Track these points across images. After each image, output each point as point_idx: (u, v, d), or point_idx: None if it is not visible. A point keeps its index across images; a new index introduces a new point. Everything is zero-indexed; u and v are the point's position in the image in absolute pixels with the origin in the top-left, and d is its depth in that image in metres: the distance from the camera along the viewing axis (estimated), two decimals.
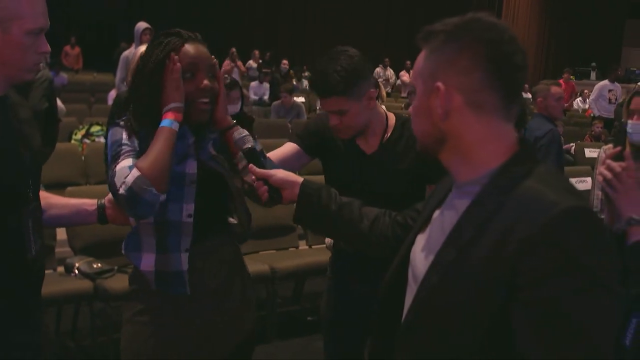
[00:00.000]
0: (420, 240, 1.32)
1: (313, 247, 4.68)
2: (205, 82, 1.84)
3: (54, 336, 3.83)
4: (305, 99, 11.56)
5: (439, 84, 1.17)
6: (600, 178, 1.77)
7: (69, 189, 4.04)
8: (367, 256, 1.74)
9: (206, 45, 1.89)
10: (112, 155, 1.80)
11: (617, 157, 1.75)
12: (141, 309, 1.90)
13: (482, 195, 1.16)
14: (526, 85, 16.72)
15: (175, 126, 1.79)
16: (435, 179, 1.46)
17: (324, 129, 2.29)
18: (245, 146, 1.80)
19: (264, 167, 1.74)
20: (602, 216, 1.90)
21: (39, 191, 1.76)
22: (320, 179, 2.35)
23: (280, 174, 1.68)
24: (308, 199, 1.64)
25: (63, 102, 8.00)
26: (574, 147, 8.17)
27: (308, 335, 4.12)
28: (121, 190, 1.72)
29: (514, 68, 1.16)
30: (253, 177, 1.71)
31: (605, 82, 11.02)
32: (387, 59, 16.58)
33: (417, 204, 1.64)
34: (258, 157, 1.77)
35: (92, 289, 3.50)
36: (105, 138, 2.18)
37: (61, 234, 3.88)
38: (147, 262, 1.87)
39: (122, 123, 1.84)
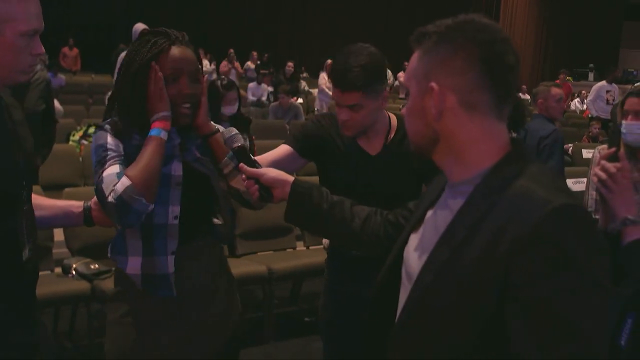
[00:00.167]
0: (414, 239, 1.32)
1: (310, 248, 4.68)
2: (188, 89, 1.84)
3: (51, 336, 3.84)
4: (303, 100, 11.56)
5: (433, 84, 1.17)
6: (595, 179, 1.77)
7: (67, 190, 4.05)
8: (363, 257, 1.74)
9: (192, 48, 1.89)
10: (97, 161, 1.80)
11: (612, 157, 1.75)
12: (126, 311, 1.91)
13: (475, 195, 1.17)
14: (524, 87, 16.80)
15: (164, 135, 1.80)
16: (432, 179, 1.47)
17: (323, 131, 2.28)
18: (235, 144, 1.79)
19: (254, 166, 1.74)
20: (597, 216, 1.90)
21: (31, 192, 1.77)
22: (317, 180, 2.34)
23: (271, 172, 1.68)
24: (299, 197, 1.64)
25: (61, 103, 8.02)
26: (571, 148, 8.18)
27: (305, 336, 4.12)
28: (110, 199, 1.72)
29: (506, 68, 1.17)
30: (243, 176, 1.70)
31: (603, 83, 11.02)
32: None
33: (409, 202, 1.64)
34: (248, 156, 1.76)
35: (90, 290, 3.51)
36: None
37: (59, 235, 3.89)
38: (133, 265, 1.86)
39: (106, 126, 1.84)
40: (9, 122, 1.68)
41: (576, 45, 21.72)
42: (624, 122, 2.44)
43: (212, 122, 1.94)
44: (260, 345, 4.05)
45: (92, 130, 7.00)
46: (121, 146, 1.82)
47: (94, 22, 19.29)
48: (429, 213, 1.31)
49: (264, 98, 11.73)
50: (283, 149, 2.29)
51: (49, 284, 3.38)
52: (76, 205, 2.00)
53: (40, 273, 1.84)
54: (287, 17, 22.10)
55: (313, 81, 13.70)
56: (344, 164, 2.25)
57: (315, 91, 12.07)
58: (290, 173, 2.05)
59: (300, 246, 4.76)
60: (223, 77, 5.29)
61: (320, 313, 2.47)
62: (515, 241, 1.06)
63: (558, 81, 13.95)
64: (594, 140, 9.10)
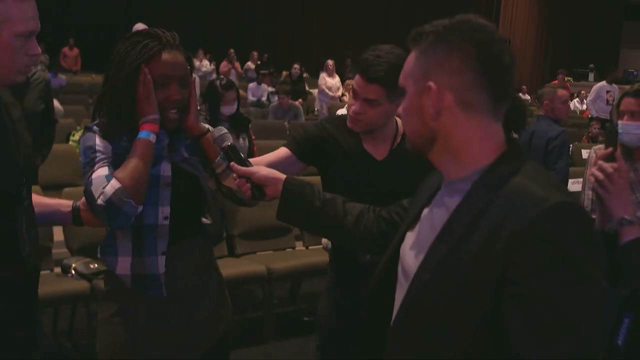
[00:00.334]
0: (410, 237, 1.33)
1: (310, 248, 4.69)
2: (176, 95, 1.84)
3: (51, 336, 3.84)
4: (303, 100, 11.55)
5: (431, 83, 1.19)
6: (591, 179, 1.77)
7: (66, 189, 4.05)
8: (373, 265, 1.73)
9: (182, 50, 1.88)
10: (85, 162, 1.81)
11: (609, 157, 1.76)
12: (116, 310, 1.91)
13: (472, 192, 1.18)
14: (524, 87, 16.80)
15: (153, 138, 1.80)
16: None
17: (327, 135, 2.25)
18: (225, 143, 1.78)
19: (245, 165, 1.73)
20: (593, 216, 1.90)
21: (31, 189, 1.78)
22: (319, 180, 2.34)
23: (263, 171, 1.69)
24: (291, 195, 1.65)
25: (61, 103, 8.03)
26: (570, 148, 8.18)
27: (305, 335, 4.11)
28: (99, 201, 1.73)
29: (502, 69, 1.19)
30: (234, 174, 1.70)
31: (603, 83, 11.02)
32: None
33: (403, 200, 1.64)
34: (239, 154, 1.75)
35: (89, 289, 3.51)
36: None
37: (58, 235, 3.89)
38: (123, 265, 1.86)
39: (94, 128, 1.85)
40: (8, 120, 1.70)
41: (576, 45, 21.73)
42: (620, 122, 2.44)
43: (201, 123, 1.94)
44: (259, 345, 4.05)
45: None
46: (110, 148, 1.82)
47: (94, 22, 19.31)
48: (425, 211, 1.32)
49: (264, 98, 11.73)
50: (282, 151, 2.26)
51: (49, 283, 3.38)
52: (65, 204, 2.01)
53: (39, 272, 1.86)
54: (287, 17, 22.12)
55: (313, 81, 13.70)
56: (349, 168, 2.23)
57: (315, 91, 12.07)
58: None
59: (299, 246, 4.76)
60: (222, 77, 5.30)
61: (319, 313, 2.46)
62: (513, 238, 1.08)
63: (556, 82, 13.95)
64: (593, 141, 9.10)
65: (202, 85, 6.51)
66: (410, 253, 1.29)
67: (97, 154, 1.80)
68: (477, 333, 1.13)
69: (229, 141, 1.79)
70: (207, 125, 1.95)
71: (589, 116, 11.30)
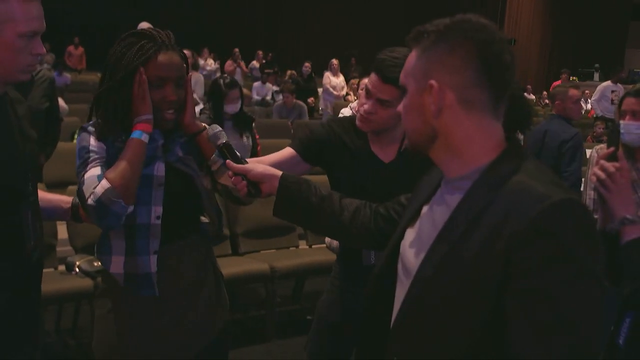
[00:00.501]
0: (410, 234, 1.34)
1: (313, 246, 4.69)
2: (172, 95, 1.85)
3: (54, 334, 3.86)
4: (314, 98, 11.50)
5: (433, 81, 1.20)
6: (593, 178, 1.77)
7: (70, 187, 4.05)
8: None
9: (178, 50, 1.88)
10: (79, 163, 1.82)
11: (611, 157, 1.76)
12: (111, 307, 1.92)
13: (473, 190, 1.19)
14: (529, 87, 16.76)
15: (145, 138, 1.81)
16: None
17: (333, 136, 2.24)
18: (220, 141, 1.78)
19: (240, 162, 1.73)
20: (595, 216, 1.90)
21: (37, 184, 1.80)
22: (318, 179, 2.34)
23: (258, 168, 1.69)
24: (287, 192, 1.65)
25: (66, 102, 8.05)
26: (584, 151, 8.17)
27: (307, 334, 4.12)
28: (90, 201, 1.74)
29: (503, 67, 1.20)
30: (230, 172, 1.70)
31: (608, 83, 10.99)
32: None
33: (401, 196, 1.64)
34: (234, 152, 1.75)
35: (93, 287, 3.50)
36: None
37: (62, 232, 3.91)
38: (117, 264, 1.88)
39: (89, 128, 1.86)
40: (14, 117, 1.73)
41: (582, 45, 21.67)
42: (621, 122, 2.44)
43: (198, 121, 1.94)
44: (262, 344, 4.07)
45: None
46: (104, 148, 1.83)
47: (99, 21, 19.33)
48: (425, 209, 1.33)
49: (268, 97, 11.73)
50: (287, 152, 2.25)
51: (53, 281, 3.40)
52: (65, 200, 2.03)
53: (43, 270, 1.88)
54: (291, 16, 22.10)
55: (317, 80, 13.69)
56: (355, 170, 2.22)
57: (319, 90, 12.05)
58: None
59: (303, 245, 4.77)
60: (225, 75, 5.30)
61: (319, 310, 2.45)
62: (515, 235, 1.08)
63: (559, 82, 13.90)
64: (598, 141, 9.09)
65: (207, 84, 6.52)
66: (411, 250, 1.30)
67: (91, 154, 1.81)
68: (477, 332, 1.14)
69: (224, 139, 1.79)
70: (203, 123, 1.96)
71: (594, 116, 11.28)
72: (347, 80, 11.80)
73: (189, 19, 19.33)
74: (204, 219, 2.01)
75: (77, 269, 3.67)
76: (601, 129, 9.39)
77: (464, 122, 1.20)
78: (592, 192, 2.85)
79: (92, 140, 1.83)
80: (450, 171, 1.26)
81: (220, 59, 15.15)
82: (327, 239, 3.21)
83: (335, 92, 11.27)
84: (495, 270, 1.10)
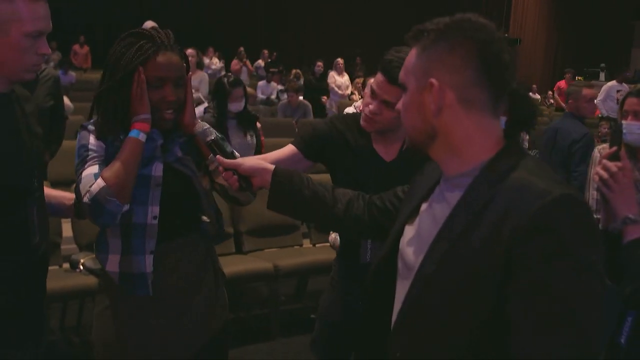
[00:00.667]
0: (410, 231, 1.34)
1: (317, 245, 4.70)
2: (171, 96, 1.85)
3: (59, 331, 3.87)
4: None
5: (433, 80, 1.20)
6: (596, 178, 1.78)
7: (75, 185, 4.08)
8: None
9: (177, 50, 1.88)
10: (78, 161, 1.83)
11: (613, 156, 1.76)
12: (108, 304, 1.93)
13: (473, 187, 1.20)
14: (534, 86, 16.71)
15: (143, 137, 1.82)
16: None
17: (336, 133, 2.24)
18: (209, 138, 1.78)
19: (230, 157, 1.73)
20: (598, 216, 1.90)
21: (43, 181, 1.82)
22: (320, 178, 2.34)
23: (249, 162, 1.69)
24: (280, 186, 1.66)
25: (71, 100, 8.06)
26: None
27: (311, 333, 4.12)
28: (85, 199, 1.75)
29: (502, 66, 1.20)
30: (221, 167, 1.70)
31: (613, 82, 10.97)
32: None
33: (397, 188, 1.65)
34: (223, 147, 1.75)
35: (97, 285, 3.53)
36: None
37: (67, 230, 3.92)
38: (113, 263, 1.89)
39: (89, 127, 1.87)
40: (20, 114, 1.74)
41: (587, 44, 21.59)
42: (623, 122, 2.45)
43: (198, 121, 1.94)
44: (266, 342, 4.07)
45: None
46: (103, 147, 1.84)
47: (105, 19, 19.38)
48: (424, 206, 1.34)
49: (273, 96, 11.74)
50: (289, 149, 2.26)
51: (57, 278, 3.41)
52: (69, 197, 2.04)
53: (48, 263, 1.89)
54: (296, 15, 22.11)
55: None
56: (356, 168, 2.22)
57: None
58: None
59: (306, 243, 4.78)
60: (229, 74, 5.31)
61: (320, 310, 2.45)
62: (516, 230, 1.09)
63: (564, 81, 13.84)
64: (603, 140, 9.05)
65: (211, 83, 6.54)
66: (411, 247, 1.31)
67: (90, 153, 1.82)
68: (479, 329, 1.15)
69: (212, 135, 1.78)
70: (203, 123, 1.96)
71: (599, 116, 11.25)
72: (351, 80, 11.80)
73: (194, 18, 19.36)
74: (205, 218, 2.01)
75: (81, 267, 3.67)
76: (606, 129, 9.35)
77: (463, 121, 1.21)
78: (595, 192, 2.84)
79: (92, 139, 1.84)
80: (449, 169, 1.27)
81: (225, 57, 15.17)
82: (331, 238, 3.22)
83: (340, 92, 11.28)
84: (497, 266, 1.11)
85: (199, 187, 1.95)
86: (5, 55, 1.63)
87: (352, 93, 11.31)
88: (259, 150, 4.70)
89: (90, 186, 1.76)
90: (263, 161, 1.73)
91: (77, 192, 1.80)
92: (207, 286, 2.00)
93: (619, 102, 9.19)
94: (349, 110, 5.96)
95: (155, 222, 1.87)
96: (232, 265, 3.92)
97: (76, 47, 15.80)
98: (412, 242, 1.31)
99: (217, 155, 1.72)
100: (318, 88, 10.76)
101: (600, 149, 2.89)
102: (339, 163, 2.26)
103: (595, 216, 1.87)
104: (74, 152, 1.88)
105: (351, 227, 1.66)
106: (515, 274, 1.10)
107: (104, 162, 1.82)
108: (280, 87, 12.07)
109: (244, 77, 12.95)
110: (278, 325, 4.18)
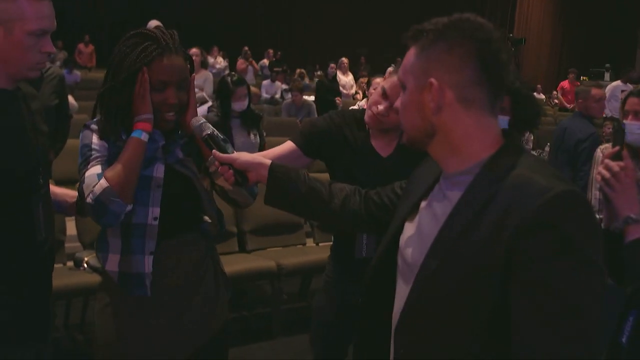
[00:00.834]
0: (410, 228, 1.35)
1: (320, 244, 4.71)
2: (173, 99, 1.85)
3: (63, 329, 3.89)
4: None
5: (432, 80, 1.21)
6: (598, 177, 1.78)
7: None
8: (369, 261, 1.72)
9: (182, 52, 1.88)
10: (81, 160, 1.83)
11: (616, 156, 1.76)
12: (108, 302, 1.94)
13: (475, 184, 1.21)
14: (539, 86, 16.68)
15: (145, 137, 1.82)
16: None
17: (334, 128, 2.26)
18: (205, 133, 1.76)
19: (226, 152, 1.72)
20: (601, 216, 1.90)
21: (49, 178, 1.83)
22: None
23: (244, 156, 1.69)
24: (277, 182, 1.66)
25: (76, 99, 8.08)
26: None
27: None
28: (88, 199, 1.76)
29: (500, 66, 1.22)
30: (217, 162, 1.69)
31: (618, 82, 10.93)
32: (399, 59, 16.51)
33: (395, 183, 1.65)
34: (219, 142, 1.73)
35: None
36: None
37: (71, 229, 3.94)
38: (112, 262, 1.89)
39: (92, 126, 1.87)
40: (26, 111, 1.75)
41: (592, 44, 21.53)
42: (625, 121, 2.45)
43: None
44: (268, 341, 4.08)
45: None
46: (106, 146, 1.85)
47: (110, 18, 19.41)
48: (423, 203, 1.34)
49: (277, 95, 11.75)
50: (288, 145, 2.28)
51: (61, 276, 3.42)
52: (71, 195, 2.06)
53: (54, 259, 1.90)
54: (300, 14, 22.10)
55: None
56: (354, 163, 2.24)
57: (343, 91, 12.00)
58: None
59: (310, 242, 4.79)
60: (233, 73, 5.31)
61: (318, 312, 2.45)
62: (519, 225, 1.10)
63: (567, 81, 13.79)
64: (607, 140, 9.03)
65: (216, 83, 6.55)
66: (412, 245, 1.31)
67: (93, 152, 1.83)
68: (482, 324, 1.16)
69: (208, 130, 1.76)
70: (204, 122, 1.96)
71: (604, 116, 11.21)
72: (356, 79, 11.80)
73: (198, 17, 19.36)
74: (206, 218, 2.01)
75: (85, 265, 3.68)
76: (610, 129, 9.33)
77: (463, 120, 1.22)
78: (597, 192, 2.84)
79: (95, 139, 1.85)
80: (449, 167, 1.28)
81: (229, 57, 15.18)
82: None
83: (344, 91, 11.28)
84: (499, 262, 1.12)
85: (199, 188, 1.95)
86: (8, 53, 1.64)
87: (356, 92, 11.31)
88: (262, 149, 4.70)
89: (94, 186, 1.76)
90: (259, 156, 1.74)
91: (80, 192, 1.81)
92: (207, 286, 2.00)
93: None
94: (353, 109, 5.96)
95: (156, 223, 1.87)
96: (236, 263, 3.93)
97: (81, 46, 15.84)
98: (413, 240, 1.32)
99: (213, 150, 1.71)
100: (331, 89, 10.65)
101: (603, 149, 2.89)
102: (337, 158, 2.28)
103: (597, 216, 1.88)
104: (77, 151, 1.89)
105: (348, 222, 1.67)
106: (517, 269, 1.11)
107: (107, 162, 1.82)
108: (284, 86, 12.08)
109: (250, 76, 12.96)
110: (281, 324, 4.19)
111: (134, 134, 1.82)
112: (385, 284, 1.39)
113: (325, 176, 2.35)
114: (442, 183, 1.31)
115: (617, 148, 1.78)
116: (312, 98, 10.43)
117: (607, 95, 10.92)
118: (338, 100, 10.34)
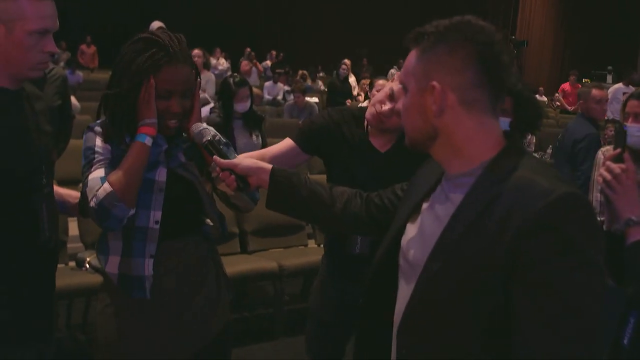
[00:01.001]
0: (412, 229, 1.36)
1: (322, 245, 4.69)
2: (177, 108, 1.85)
3: (65, 329, 3.89)
4: (318, 99, 11.53)
5: (435, 82, 1.22)
6: (600, 179, 1.78)
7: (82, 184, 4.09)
8: (363, 258, 1.73)
9: (189, 60, 1.88)
10: (84, 163, 1.84)
11: (617, 158, 1.77)
12: (109, 302, 1.95)
13: (477, 185, 1.21)
14: (541, 88, 16.66)
15: (149, 141, 1.82)
16: None
17: (332, 125, 2.27)
18: (205, 139, 1.76)
19: (227, 158, 1.72)
20: (602, 218, 1.91)
21: (52, 177, 1.83)
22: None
23: (245, 162, 1.70)
24: (278, 186, 1.67)
25: (78, 100, 8.10)
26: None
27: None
28: (92, 203, 1.76)
29: (501, 68, 1.22)
30: (218, 168, 1.70)
31: (620, 85, 10.92)
32: (401, 60, 16.48)
33: (396, 185, 1.66)
34: (219, 148, 1.74)
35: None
36: None
37: (73, 229, 3.95)
38: (112, 264, 1.89)
39: (96, 128, 1.87)
40: (30, 111, 1.76)
41: (594, 47, 21.51)
42: (625, 124, 2.45)
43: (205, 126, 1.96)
44: (270, 341, 4.08)
45: None
46: (109, 149, 1.85)
47: (112, 19, 19.43)
48: (425, 205, 1.35)
49: (279, 97, 11.76)
50: (287, 143, 2.29)
51: (63, 276, 3.43)
52: (74, 195, 2.06)
53: (57, 259, 1.91)
54: (302, 16, 22.12)
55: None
56: (352, 160, 2.25)
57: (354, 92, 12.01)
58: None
59: (311, 243, 4.80)
60: (235, 74, 5.32)
61: (314, 311, 2.45)
62: (521, 227, 1.11)
63: (568, 83, 13.77)
64: (609, 143, 9.02)
65: (218, 84, 6.56)
66: (414, 246, 1.32)
67: (96, 155, 1.83)
68: (483, 329, 1.16)
69: (209, 136, 1.76)
70: (209, 128, 1.96)
71: (606, 118, 11.20)
72: (358, 81, 11.80)
73: (200, 18, 19.39)
74: (208, 221, 2.02)
75: (87, 265, 3.68)
76: (612, 131, 9.32)
77: (465, 122, 1.23)
78: (598, 195, 2.85)
79: (98, 141, 1.85)
80: (451, 168, 1.28)
81: (232, 58, 15.20)
82: None
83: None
84: (502, 261, 1.13)
85: (201, 192, 1.95)
86: (10, 53, 1.64)
87: (358, 94, 11.31)
88: None
89: (97, 190, 1.76)
90: (260, 160, 1.75)
91: (83, 195, 1.81)
92: (209, 287, 2.01)
93: None
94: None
95: (157, 226, 1.88)
96: (237, 264, 3.94)
97: (83, 46, 15.86)
98: (415, 240, 1.33)
99: (214, 156, 1.72)
100: (342, 91, 10.55)
101: (604, 151, 2.89)
102: (335, 155, 2.29)
103: (599, 218, 1.88)
104: (80, 151, 1.89)
105: (349, 224, 1.68)
106: (520, 270, 1.11)
107: (110, 165, 1.82)
108: (286, 87, 12.09)
109: (253, 78, 12.96)
110: (282, 324, 4.19)
111: (138, 138, 1.82)
112: (386, 284, 1.39)
113: (325, 177, 2.36)
114: (444, 184, 1.31)
115: (618, 150, 1.79)
116: (314, 99, 10.44)
117: (609, 97, 10.95)
118: (348, 102, 10.34)
